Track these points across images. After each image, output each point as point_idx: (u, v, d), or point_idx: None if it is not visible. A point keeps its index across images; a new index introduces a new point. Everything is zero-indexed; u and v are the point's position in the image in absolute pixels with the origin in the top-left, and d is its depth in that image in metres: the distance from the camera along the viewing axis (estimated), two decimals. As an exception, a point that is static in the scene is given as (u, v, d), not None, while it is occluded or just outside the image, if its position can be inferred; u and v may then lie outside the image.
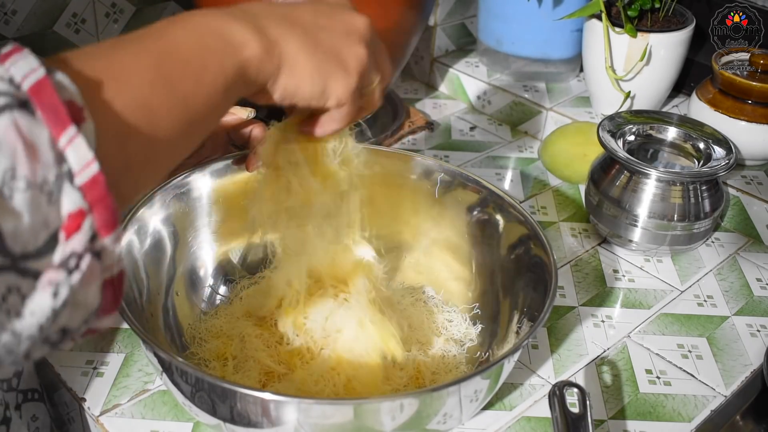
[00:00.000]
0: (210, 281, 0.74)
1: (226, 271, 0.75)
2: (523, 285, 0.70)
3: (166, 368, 0.57)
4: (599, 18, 1.01)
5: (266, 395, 0.52)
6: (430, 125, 1.10)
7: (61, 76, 0.33)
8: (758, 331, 0.78)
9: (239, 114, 0.72)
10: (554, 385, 0.60)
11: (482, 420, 0.66)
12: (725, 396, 0.70)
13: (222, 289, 0.75)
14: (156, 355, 0.56)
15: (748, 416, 0.70)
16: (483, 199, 0.75)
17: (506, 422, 0.66)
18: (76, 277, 0.33)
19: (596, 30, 1.02)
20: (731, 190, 0.95)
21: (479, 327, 0.72)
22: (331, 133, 0.55)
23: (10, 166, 0.30)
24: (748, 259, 0.88)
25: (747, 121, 0.95)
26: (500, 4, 1.14)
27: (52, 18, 0.92)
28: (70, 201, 0.32)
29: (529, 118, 1.12)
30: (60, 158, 0.32)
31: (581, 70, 1.13)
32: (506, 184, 0.99)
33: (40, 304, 0.32)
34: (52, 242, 0.32)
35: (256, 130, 0.72)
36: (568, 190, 0.99)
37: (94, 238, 0.33)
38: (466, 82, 1.18)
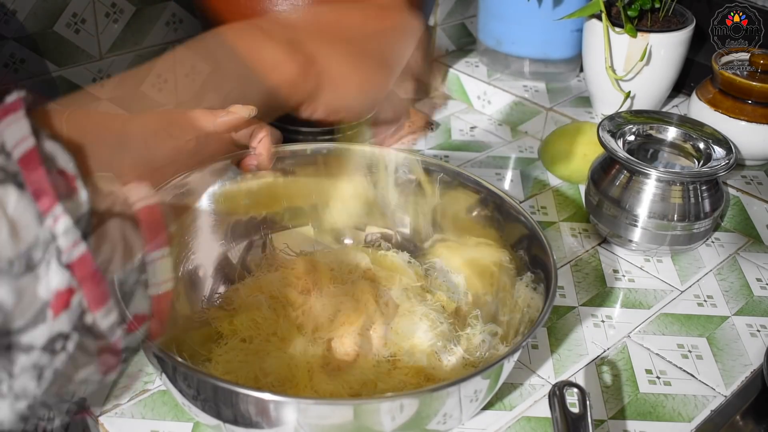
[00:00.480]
0: (210, 282, 0.74)
1: (225, 273, 0.75)
2: (523, 285, 0.70)
3: (166, 369, 0.57)
4: (599, 18, 1.01)
5: (266, 395, 0.52)
6: (430, 125, 1.10)
7: (51, 145, 0.32)
8: (758, 331, 0.78)
9: (240, 113, 0.72)
10: (554, 385, 0.60)
11: (482, 420, 0.66)
12: (725, 396, 0.70)
13: (222, 288, 0.75)
14: (155, 355, 0.56)
15: (748, 416, 0.70)
16: (483, 199, 0.75)
17: (506, 422, 0.66)
18: (61, 359, 0.32)
19: (596, 30, 1.02)
20: (731, 190, 0.95)
21: (479, 327, 0.72)
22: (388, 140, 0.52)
23: None
24: (748, 259, 0.88)
25: (747, 121, 0.95)
26: (500, 4, 1.14)
27: (52, 18, 0.92)
28: (58, 278, 0.31)
29: (529, 118, 1.11)
30: (47, 235, 0.31)
31: (581, 70, 1.13)
32: (506, 184, 0.99)
33: (24, 387, 0.31)
34: (40, 315, 0.31)
35: (257, 131, 0.72)
36: (568, 190, 0.99)
37: (83, 313, 0.32)
38: (466, 82, 1.18)
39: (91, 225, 0.32)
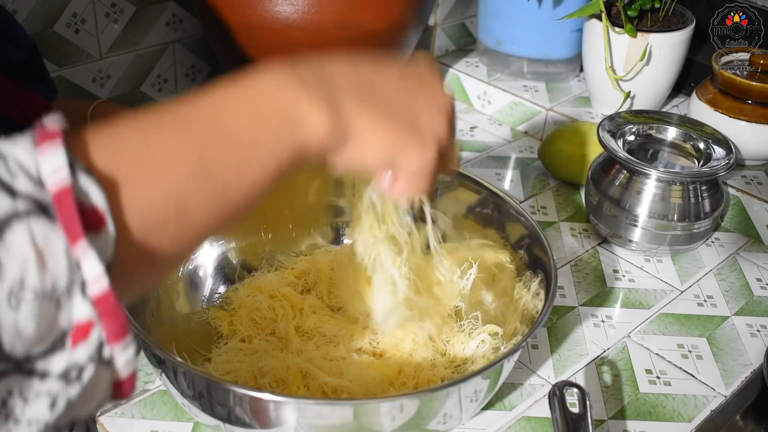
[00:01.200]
0: (210, 281, 0.74)
1: (225, 273, 0.75)
2: (523, 285, 0.70)
3: (165, 368, 0.57)
4: (599, 18, 1.01)
5: (265, 395, 0.52)
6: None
7: (86, 180, 0.32)
8: (758, 331, 0.78)
9: None
10: (554, 385, 0.60)
11: (482, 420, 0.66)
12: (725, 396, 0.70)
13: (222, 288, 0.75)
14: (155, 355, 0.56)
15: (748, 416, 0.70)
16: (483, 199, 0.75)
17: (506, 422, 0.66)
18: (75, 389, 0.32)
19: (596, 30, 1.02)
20: (731, 190, 0.95)
21: (479, 327, 0.72)
22: (402, 197, 0.51)
23: (19, 276, 0.30)
24: (748, 259, 0.88)
25: (747, 121, 0.95)
26: (500, 4, 1.14)
27: (52, 18, 0.92)
28: (79, 310, 0.32)
29: (529, 118, 1.11)
30: (74, 267, 0.31)
31: (581, 70, 1.13)
32: (506, 184, 0.99)
33: (36, 414, 0.31)
34: (60, 342, 0.31)
35: None
36: (568, 190, 0.99)
37: (101, 346, 0.32)
38: (466, 82, 1.18)
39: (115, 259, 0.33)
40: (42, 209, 0.31)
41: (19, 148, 0.31)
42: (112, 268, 0.32)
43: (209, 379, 0.54)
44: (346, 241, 0.81)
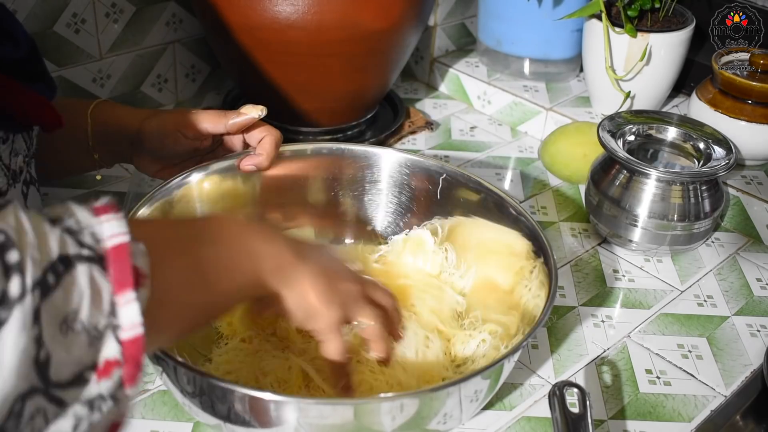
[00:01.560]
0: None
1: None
2: (523, 285, 0.70)
3: (166, 368, 0.57)
4: (599, 18, 1.01)
5: (266, 395, 0.52)
6: (430, 125, 1.10)
7: (139, 247, 0.39)
8: (758, 331, 0.78)
9: (251, 113, 0.73)
10: (554, 385, 0.60)
11: (482, 420, 0.66)
12: (725, 396, 0.70)
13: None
14: (155, 355, 0.56)
15: (748, 416, 0.70)
16: (483, 199, 0.75)
17: (506, 422, 0.66)
18: (96, 416, 0.37)
19: (596, 30, 1.02)
20: (731, 190, 0.95)
21: (480, 326, 0.72)
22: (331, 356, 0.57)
23: (76, 307, 0.36)
24: (748, 259, 0.88)
25: (747, 121, 0.95)
26: (500, 4, 1.14)
27: (53, 18, 0.92)
28: (110, 350, 0.37)
29: (529, 118, 1.11)
30: (113, 312, 0.37)
31: (581, 70, 1.13)
32: (506, 184, 0.99)
33: (60, 431, 0.36)
34: (79, 379, 0.36)
35: (267, 138, 0.73)
36: (568, 190, 0.99)
37: (118, 387, 0.38)
38: (466, 82, 1.18)
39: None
40: (99, 260, 0.37)
41: (82, 212, 0.38)
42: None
43: (210, 378, 0.54)
44: (348, 240, 0.81)
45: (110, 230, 0.38)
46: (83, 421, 0.37)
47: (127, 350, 0.37)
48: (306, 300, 0.53)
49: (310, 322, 0.54)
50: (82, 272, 0.36)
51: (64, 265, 0.35)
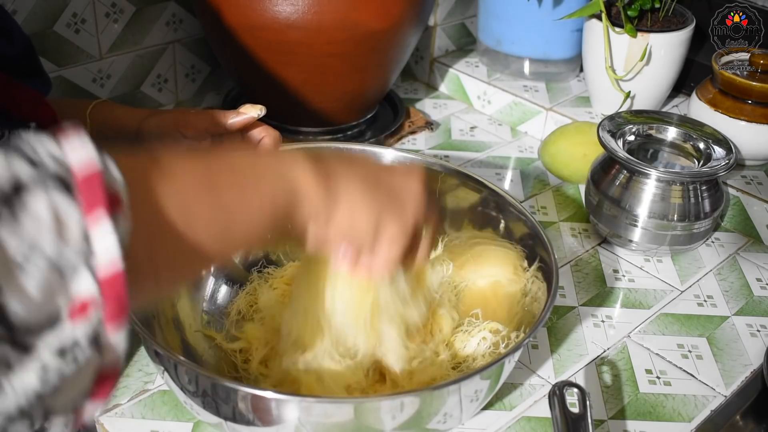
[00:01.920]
0: (211, 281, 0.74)
1: (225, 273, 0.75)
2: (523, 284, 0.70)
3: (168, 367, 0.57)
4: (599, 18, 1.01)
5: (267, 394, 0.52)
6: (430, 125, 1.10)
7: (112, 166, 0.34)
8: (758, 331, 0.78)
9: (250, 113, 0.73)
10: (554, 385, 0.60)
11: (482, 420, 0.66)
12: (725, 396, 0.70)
13: (223, 288, 0.75)
14: (158, 354, 0.56)
15: (748, 416, 0.70)
16: (484, 198, 0.75)
17: (506, 422, 0.66)
18: (70, 367, 0.32)
19: (596, 30, 1.02)
20: (731, 190, 0.95)
21: (480, 326, 0.72)
22: (380, 275, 0.53)
23: (34, 239, 0.30)
24: (748, 259, 0.88)
25: (747, 121, 0.95)
26: (500, 4, 1.14)
27: (53, 18, 0.92)
28: (84, 287, 0.32)
29: (529, 118, 1.12)
30: (86, 244, 0.32)
31: (581, 70, 1.13)
32: (506, 184, 0.99)
33: (24, 384, 0.31)
34: (53, 321, 0.31)
35: (266, 139, 0.73)
36: (568, 190, 0.99)
37: (98, 331, 0.33)
38: (466, 82, 1.18)
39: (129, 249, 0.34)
40: (65, 186, 0.31)
41: (46, 140, 0.33)
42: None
43: (211, 377, 0.54)
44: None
45: (76, 152, 0.32)
46: (51, 372, 0.32)
47: (106, 288, 0.32)
48: (369, 210, 0.47)
49: (377, 235, 0.48)
50: (38, 198, 0.31)
51: (15, 191, 0.30)
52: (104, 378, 0.34)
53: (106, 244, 0.32)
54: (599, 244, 0.89)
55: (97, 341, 0.33)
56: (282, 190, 0.42)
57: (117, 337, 0.33)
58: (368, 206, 0.47)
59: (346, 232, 0.47)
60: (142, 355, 0.70)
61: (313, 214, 0.45)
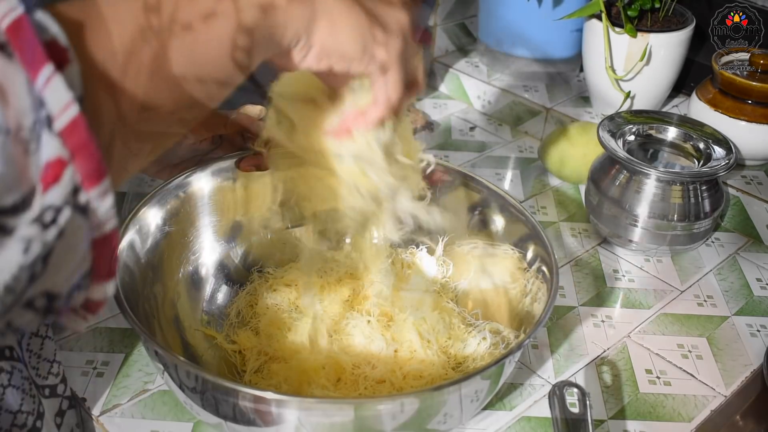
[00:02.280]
0: (211, 281, 0.74)
1: (225, 274, 0.75)
2: (523, 284, 0.70)
3: (168, 367, 0.57)
4: (599, 18, 1.01)
5: (267, 394, 0.52)
6: (430, 125, 1.10)
7: (42, 16, 0.30)
8: (758, 331, 0.78)
9: (251, 113, 0.73)
10: (554, 385, 0.60)
11: (482, 420, 0.66)
12: (725, 396, 0.70)
13: (223, 288, 0.75)
14: (158, 353, 0.56)
15: (748, 416, 0.70)
16: (484, 199, 0.75)
17: (506, 422, 0.66)
18: (51, 232, 0.30)
19: (596, 30, 1.02)
20: (731, 190, 0.95)
21: (480, 326, 0.72)
22: (380, 118, 0.48)
23: None
24: (748, 259, 0.88)
25: (747, 121, 0.95)
26: (500, 4, 1.14)
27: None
28: (48, 149, 0.29)
29: (529, 118, 1.11)
30: (37, 103, 0.29)
31: (581, 70, 1.13)
32: (506, 184, 0.99)
33: (7, 259, 0.29)
34: (30, 197, 0.29)
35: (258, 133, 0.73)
36: (568, 190, 0.99)
37: (76, 191, 0.30)
38: (466, 82, 1.18)
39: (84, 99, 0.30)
40: None
41: None
42: (81, 108, 0.30)
43: (212, 378, 0.54)
44: (348, 240, 0.81)
45: (2, 9, 0.29)
46: (34, 242, 0.29)
47: (69, 140, 0.29)
48: (352, 23, 0.42)
49: (366, 57, 0.44)
50: None
51: None
52: (101, 245, 0.32)
53: (57, 93, 0.29)
54: (599, 244, 0.89)
55: (77, 202, 0.30)
56: (248, 4, 0.37)
57: (98, 194, 0.31)
58: (352, 19, 0.43)
59: (330, 48, 0.42)
60: (142, 355, 0.70)
61: (290, 28, 0.40)
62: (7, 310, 0.30)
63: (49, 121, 0.29)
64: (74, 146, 0.30)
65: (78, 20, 0.32)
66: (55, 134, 0.29)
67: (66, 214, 0.30)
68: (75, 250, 0.31)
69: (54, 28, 0.30)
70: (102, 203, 0.31)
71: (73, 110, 0.29)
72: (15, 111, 0.28)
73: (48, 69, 0.29)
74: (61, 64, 0.30)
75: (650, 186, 0.83)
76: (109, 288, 0.34)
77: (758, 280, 0.85)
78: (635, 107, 1.05)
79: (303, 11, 0.40)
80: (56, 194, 0.29)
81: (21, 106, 0.28)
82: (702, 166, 0.85)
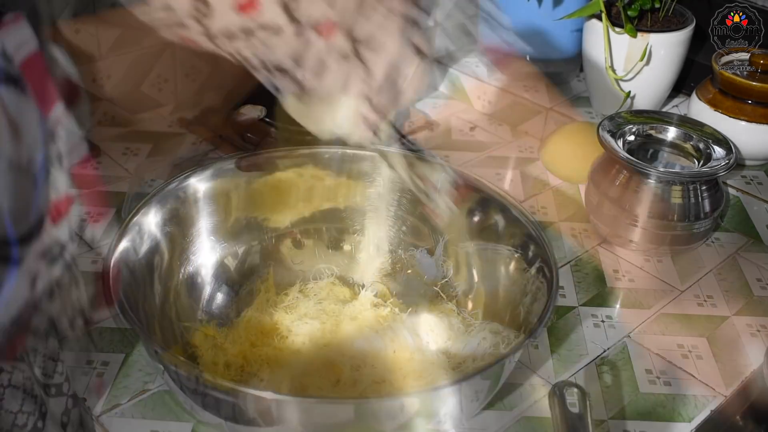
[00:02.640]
0: (209, 284, 0.74)
1: (225, 275, 0.75)
2: (523, 284, 0.70)
3: (168, 368, 0.57)
4: (599, 18, 1.01)
5: (268, 395, 0.52)
6: (430, 125, 1.10)
7: (55, 49, 0.31)
8: (758, 331, 0.78)
9: (251, 114, 0.73)
10: (554, 385, 0.60)
11: (482, 420, 0.66)
12: (725, 396, 0.70)
13: (223, 289, 0.75)
14: (158, 353, 0.56)
15: (748, 416, 0.70)
16: (484, 199, 0.75)
17: (506, 422, 0.66)
18: (57, 269, 0.30)
19: (596, 30, 1.02)
20: (731, 190, 0.95)
21: (480, 326, 0.72)
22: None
23: None
24: (748, 259, 0.88)
25: (747, 121, 0.95)
26: (500, 4, 1.14)
27: (52, 18, 0.92)
28: (58, 185, 0.30)
29: (529, 118, 1.11)
30: (50, 138, 0.29)
31: (581, 70, 1.13)
32: (506, 184, 0.99)
33: (14, 292, 0.29)
34: (38, 226, 0.29)
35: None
36: (568, 190, 0.99)
37: (82, 226, 0.31)
38: (466, 82, 1.18)
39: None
40: (11, 80, 0.28)
41: None
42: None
43: (212, 378, 0.54)
44: (347, 247, 0.81)
45: (16, 41, 0.29)
46: (40, 277, 0.29)
47: (78, 177, 0.30)
48: None
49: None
50: None
51: None
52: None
53: (66, 131, 0.29)
54: (599, 244, 0.89)
55: (82, 237, 0.30)
56: None
57: (103, 225, 0.30)
58: None
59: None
60: (142, 355, 0.70)
61: None
62: (10, 339, 0.30)
63: (59, 158, 0.29)
64: (82, 183, 0.31)
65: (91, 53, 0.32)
66: (65, 171, 0.30)
67: (71, 250, 0.30)
68: (78, 284, 0.32)
69: (66, 64, 0.31)
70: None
71: (82, 150, 0.30)
72: (27, 146, 0.28)
73: (59, 107, 0.29)
74: (71, 101, 0.30)
75: (650, 186, 0.83)
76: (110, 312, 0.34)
77: (758, 280, 0.85)
78: (635, 107, 1.05)
79: None
80: (63, 229, 0.30)
81: (33, 142, 0.28)
82: (702, 166, 0.85)
